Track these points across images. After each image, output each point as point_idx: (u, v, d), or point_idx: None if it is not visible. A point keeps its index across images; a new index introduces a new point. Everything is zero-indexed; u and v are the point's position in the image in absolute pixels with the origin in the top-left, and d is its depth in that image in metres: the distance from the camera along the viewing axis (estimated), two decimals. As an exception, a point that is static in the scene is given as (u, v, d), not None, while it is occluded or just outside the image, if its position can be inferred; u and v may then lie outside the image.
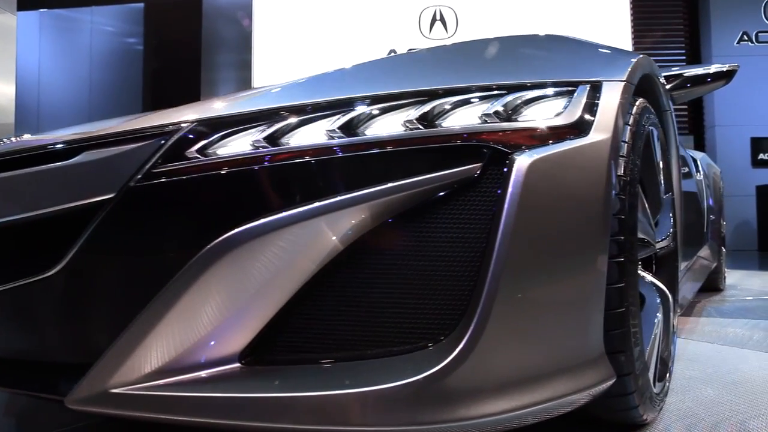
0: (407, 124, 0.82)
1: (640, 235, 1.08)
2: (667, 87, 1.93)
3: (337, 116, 0.84)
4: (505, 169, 0.80)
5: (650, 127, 1.20)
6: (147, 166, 0.83)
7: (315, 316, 0.81)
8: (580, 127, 0.88)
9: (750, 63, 8.24)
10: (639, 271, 1.31)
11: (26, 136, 1.10)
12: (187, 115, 0.88)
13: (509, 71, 0.97)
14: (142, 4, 9.46)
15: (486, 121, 0.84)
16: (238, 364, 0.82)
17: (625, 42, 8.12)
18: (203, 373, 0.82)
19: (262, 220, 0.78)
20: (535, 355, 0.82)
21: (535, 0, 8.11)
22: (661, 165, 1.32)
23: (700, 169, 2.89)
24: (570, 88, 0.92)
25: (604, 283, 0.88)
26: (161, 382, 0.81)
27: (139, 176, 0.83)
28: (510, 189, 0.78)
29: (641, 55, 1.15)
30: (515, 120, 0.86)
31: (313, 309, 0.81)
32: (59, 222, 0.87)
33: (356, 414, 0.74)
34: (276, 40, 8.35)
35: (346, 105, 0.86)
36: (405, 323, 0.79)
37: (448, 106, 0.85)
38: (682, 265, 1.86)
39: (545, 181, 0.81)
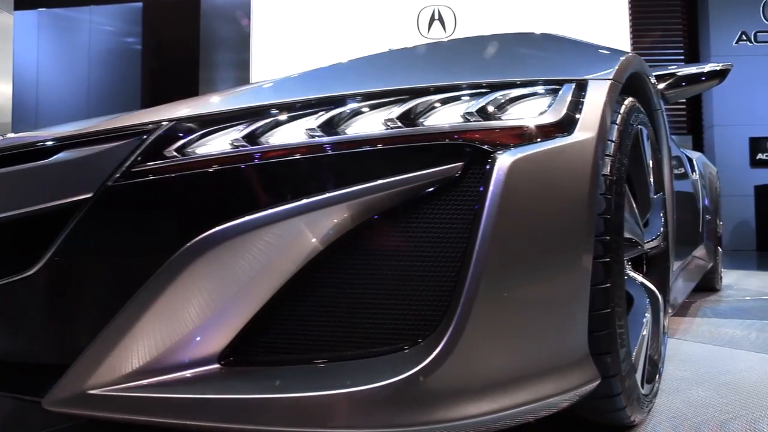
0: (388, 123, 0.81)
1: (627, 235, 1.07)
2: (661, 86, 1.92)
3: (317, 115, 0.83)
4: (487, 169, 0.79)
5: (639, 126, 1.19)
6: (125, 166, 0.82)
7: (294, 317, 0.80)
8: (564, 126, 0.87)
9: (749, 63, 8.25)
10: (629, 272, 1.30)
11: (9, 135, 1.10)
12: (167, 113, 0.87)
13: (494, 69, 0.97)
14: (140, 4, 9.45)
15: (468, 119, 0.83)
16: (217, 365, 0.81)
17: (624, 42, 8.12)
18: (182, 374, 0.81)
19: (240, 220, 0.77)
20: (517, 356, 0.81)
21: (534, -1, 8.10)
22: (651, 164, 1.31)
23: (696, 168, 2.88)
24: (555, 87, 0.91)
25: (588, 284, 0.87)
26: (139, 383, 0.80)
27: (117, 175, 0.82)
28: (491, 188, 0.77)
29: (630, 54, 1.14)
30: (498, 118, 0.85)
31: (293, 309, 0.80)
32: (37, 222, 0.86)
33: (334, 416, 0.73)
34: (274, 39, 8.34)
35: (326, 103, 0.85)
36: (385, 324, 0.78)
37: (430, 105, 0.84)
38: (676, 265, 1.85)
39: (527, 180, 0.80)
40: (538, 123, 0.85)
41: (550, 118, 0.86)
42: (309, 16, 8.29)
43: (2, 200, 0.88)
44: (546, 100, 0.89)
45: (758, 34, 8.36)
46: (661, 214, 1.40)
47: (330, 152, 0.80)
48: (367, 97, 0.85)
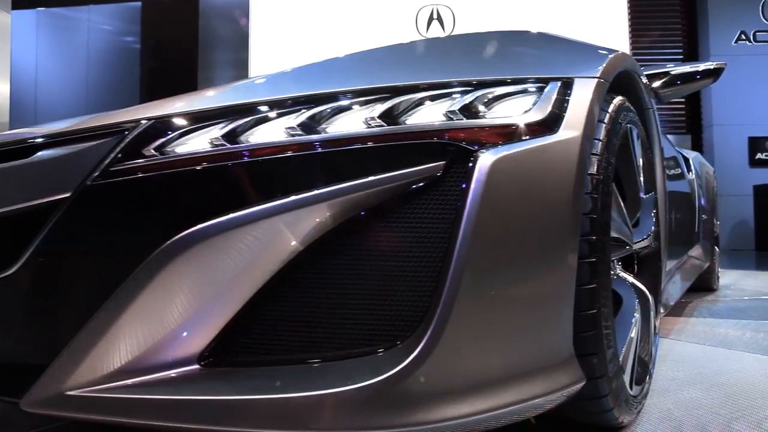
0: (369, 122, 0.80)
1: (615, 235, 1.06)
2: (655, 85, 1.91)
3: (298, 113, 0.82)
4: (469, 167, 0.78)
5: (629, 125, 1.18)
6: (103, 165, 0.81)
7: (274, 317, 0.79)
8: (548, 125, 0.86)
9: (748, 62, 8.23)
10: (619, 272, 1.29)
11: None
12: (147, 112, 0.86)
13: (479, 67, 0.96)
14: (139, 3, 9.44)
15: (451, 118, 0.82)
16: (197, 366, 0.80)
17: (623, 41, 8.11)
18: (161, 375, 0.80)
19: (217, 220, 0.76)
20: (499, 357, 0.80)
21: (533, -1, 8.09)
22: (641, 163, 1.30)
23: (692, 168, 2.87)
24: (540, 85, 0.90)
25: (573, 284, 0.86)
26: (118, 383, 0.80)
27: (96, 174, 0.81)
28: (472, 187, 0.76)
29: (619, 52, 1.13)
30: (481, 117, 0.84)
31: (272, 310, 0.79)
32: (16, 221, 0.85)
33: (312, 417, 0.72)
34: (273, 38, 8.33)
35: (307, 101, 0.84)
36: (364, 324, 0.77)
37: (412, 103, 0.83)
38: (670, 265, 1.84)
39: (510, 179, 0.80)
40: (521, 121, 0.84)
41: (534, 116, 0.86)
42: (307, 16, 8.28)
43: (-20, 200, 0.87)
44: (531, 99, 0.88)
45: (757, 33, 8.34)
46: (653, 214, 1.39)
47: (310, 151, 0.79)
48: (348, 95, 0.84)
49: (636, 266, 1.42)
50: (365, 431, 0.72)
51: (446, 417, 0.75)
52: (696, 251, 2.74)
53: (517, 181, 0.80)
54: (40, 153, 0.86)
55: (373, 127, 0.80)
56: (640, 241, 1.31)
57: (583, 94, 0.92)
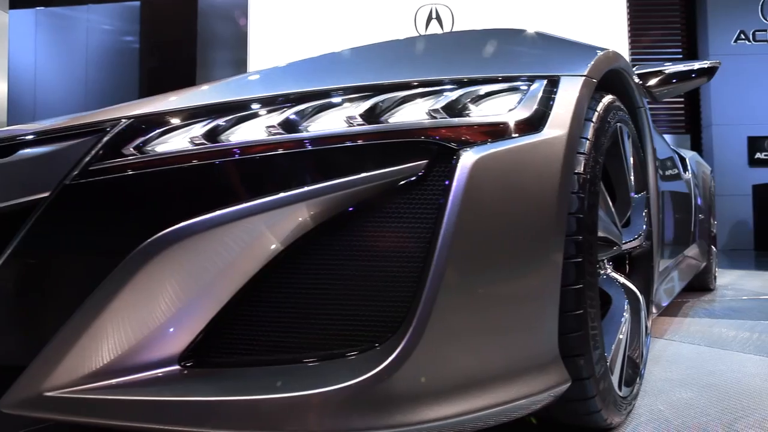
0: (351, 120, 0.79)
1: (603, 235, 1.05)
2: (649, 84, 1.90)
3: (279, 112, 0.81)
4: (451, 166, 0.77)
5: (619, 124, 1.17)
6: (83, 164, 0.80)
7: (254, 318, 0.78)
8: (533, 123, 0.85)
9: (747, 62, 8.23)
10: (609, 272, 1.29)
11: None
12: (128, 111, 0.85)
13: (464, 65, 0.95)
14: (138, 3, 9.44)
15: (434, 116, 0.81)
16: (177, 366, 0.80)
17: (622, 41, 8.10)
18: (141, 376, 0.79)
19: (195, 219, 0.76)
20: (481, 358, 0.79)
21: (532, -2, 8.09)
22: (631, 162, 1.29)
23: (689, 168, 2.86)
24: (525, 83, 0.89)
25: (558, 284, 0.85)
26: (97, 384, 0.79)
27: (75, 173, 0.80)
28: (454, 186, 0.75)
29: (607, 50, 1.12)
30: (465, 115, 0.83)
31: (252, 311, 0.78)
32: (-5, 221, 0.84)
33: (290, 419, 0.71)
34: (272, 38, 8.33)
35: (289, 100, 0.83)
36: (344, 325, 0.76)
37: (395, 101, 0.83)
38: (664, 265, 1.83)
39: (493, 178, 0.79)
40: (505, 120, 0.83)
41: (518, 115, 0.85)
42: (306, 15, 8.28)
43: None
44: (516, 97, 0.88)
45: (757, 33, 8.33)
46: (644, 214, 1.38)
47: (290, 150, 0.78)
48: (330, 93, 0.83)
49: (628, 266, 1.42)
50: (344, 433, 0.71)
51: (428, 419, 0.74)
52: (692, 251, 2.73)
53: (500, 180, 0.79)
54: (20, 152, 0.85)
55: (354, 125, 0.79)
56: (630, 240, 1.30)
57: (569, 92, 0.92)
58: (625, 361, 1.14)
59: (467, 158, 0.77)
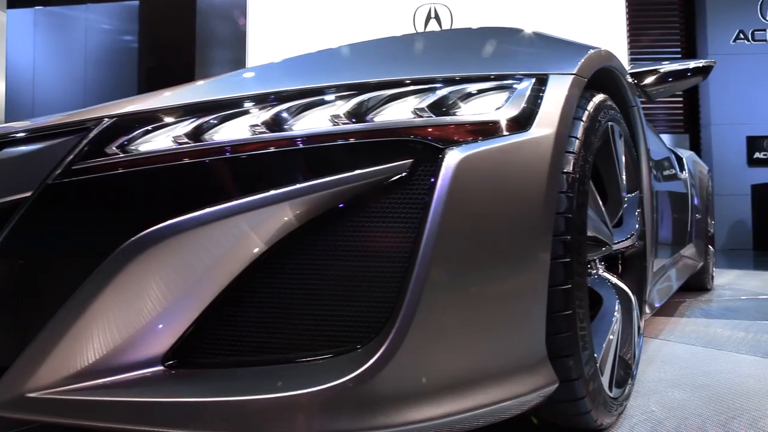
0: (335, 119, 0.79)
1: (592, 234, 1.04)
2: (644, 83, 1.90)
3: (264, 110, 0.80)
4: (435, 166, 0.76)
5: (610, 123, 1.16)
6: (65, 163, 0.80)
7: (237, 318, 0.78)
8: (520, 122, 0.84)
9: (746, 61, 8.22)
10: (602, 272, 1.28)
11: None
12: (113, 110, 0.85)
13: (452, 64, 0.94)
14: (136, 2, 9.43)
15: (419, 115, 0.80)
16: (161, 367, 0.79)
17: (621, 41, 8.09)
18: (124, 376, 0.79)
19: (179, 218, 0.75)
20: (466, 359, 0.78)
21: (531, -2, 8.08)
22: (623, 162, 1.28)
23: (686, 167, 2.85)
24: (513, 82, 0.89)
25: (545, 285, 0.85)
26: (80, 385, 0.78)
27: (58, 172, 0.80)
28: (438, 185, 0.75)
29: (598, 49, 1.11)
30: (452, 114, 0.82)
31: (237, 310, 0.78)
32: (-22, 221, 0.83)
33: (272, 420, 0.71)
34: (270, 37, 8.32)
35: (273, 99, 0.82)
36: (329, 326, 0.75)
37: (381, 100, 0.82)
38: (659, 265, 1.82)
39: (478, 177, 0.78)
40: (492, 119, 0.83)
41: (505, 113, 0.84)
42: (305, 15, 8.27)
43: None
44: (503, 96, 0.87)
45: (756, 32, 8.32)
46: (637, 213, 1.37)
47: (274, 149, 0.77)
48: (315, 92, 0.83)
49: (620, 266, 1.41)
50: (326, 435, 0.70)
51: (413, 420, 0.74)
52: (689, 251, 2.72)
53: (485, 179, 0.79)
54: (2, 151, 0.84)
55: (340, 124, 0.79)
56: (622, 240, 1.29)
57: (558, 90, 0.91)
58: (616, 362, 1.14)
59: (452, 157, 0.76)
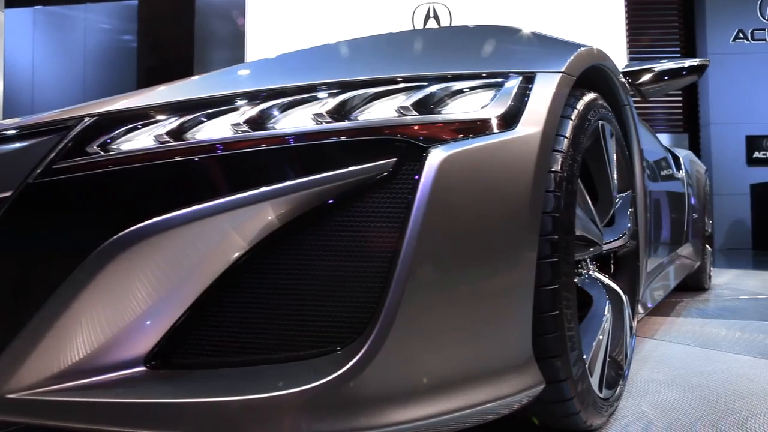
0: (318, 118, 0.78)
1: (581, 234, 1.03)
2: (639, 82, 1.89)
3: (245, 109, 0.80)
4: (418, 165, 0.75)
5: (600, 122, 1.16)
6: (45, 163, 0.79)
7: (220, 318, 0.77)
8: (506, 120, 0.84)
9: (745, 61, 8.21)
10: (593, 272, 1.27)
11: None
12: (94, 109, 0.84)
13: (439, 62, 0.93)
14: (135, 1, 9.42)
15: (403, 114, 0.79)
16: (143, 368, 0.78)
17: (620, 40, 8.08)
18: (105, 377, 0.78)
19: (160, 217, 0.74)
20: (450, 360, 0.77)
21: (530, -3, 8.07)
22: (615, 161, 1.27)
23: (683, 167, 2.85)
24: (499, 80, 0.88)
25: (531, 285, 0.84)
26: (61, 386, 0.77)
27: (39, 171, 0.79)
28: (421, 184, 0.74)
29: (588, 47, 1.10)
30: (437, 112, 0.81)
31: (219, 310, 0.77)
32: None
33: (252, 421, 0.70)
34: (269, 36, 8.31)
35: (256, 97, 0.81)
36: (310, 327, 0.75)
37: (365, 99, 0.81)
38: (653, 264, 1.81)
39: (462, 176, 0.77)
40: (477, 117, 0.82)
41: (491, 112, 0.83)
42: (304, 15, 8.26)
43: None
44: (490, 94, 0.86)
45: (755, 32, 8.31)
46: (629, 213, 1.36)
47: (256, 148, 0.76)
48: (299, 90, 0.82)
49: (613, 266, 1.40)
50: (306, 436, 0.69)
51: (395, 421, 0.73)
52: (685, 250, 2.71)
53: (469, 178, 0.78)
54: (-17, 150, 0.84)
55: (323, 123, 0.78)
56: (614, 240, 1.28)
57: (545, 89, 0.90)
58: (607, 363, 1.13)
59: (435, 156, 0.75)
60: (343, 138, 0.76)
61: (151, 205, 0.76)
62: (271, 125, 0.78)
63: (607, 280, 1.26)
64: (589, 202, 1.09)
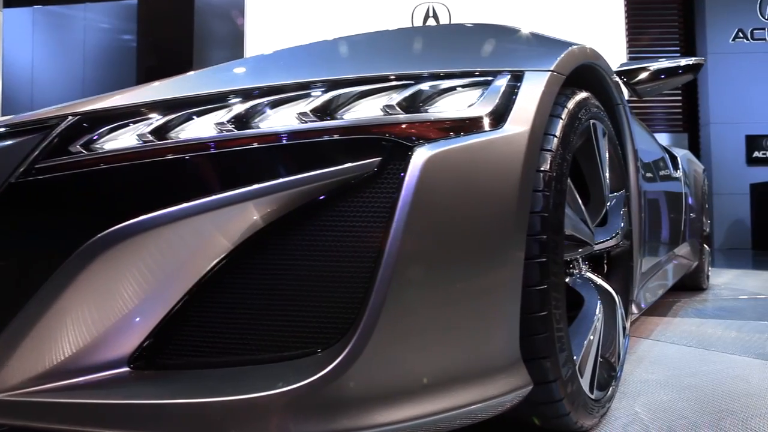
0: (302, 117, 0.77)
1: (571, 234, 1.02)
2: (634, 81, 1.88)
3: (230, 108, 0.79)
4: (403, 164, 0.75)
5: (592, 121, 1.15)
6: (28, 162, 0.78)
7: (204, 319, 0.76)
8: (494, 119, 0.83)
9: (745, 60, 8.19)
10: (584, 272, 1.26)
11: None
12: (77, 108, 0.83)
13: (428, 60, 0.92)
14: (135, 1, 9.42)
15: (389, 112, 0.79)
16: (126, 369, 0.78)
17: (620, 40, 8.06)
18: (89, 378, 0.77)
19: (141, 218, 0.73)
20: (436, 361, 0.76)
21: (529, -4, 8.06)
22: (607, 160, 1.26)
23: (680, 166, 2.84)
24: (488, 78, 0.87)
25: (519, 285, 0.83)
26: (43, 387, 0.77)
27: (21, 170, 0.78)
28: (405, 185, 0.73)
29: (579, 45, 1.10)
30: (423, 111, 0.81)
31: (202, 311, 0.76)
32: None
33: (233, 422, 0.69)
34: (268, 37, 8.31)
35: (241, 96, 0.81)
36: (294, 327, 0.74)
37: (350, 97, 0.80)
38: (648, 264, 1.80)
39: (448, 175, 0.76)
40: (464, 116, 0.81)
41: (478, 111, 0.82)
42: (303, 14, 8.25)
43: None
44: (477, 92, 0.85)
45: (755, 31, 8.29)
46: (622, 213, 1.36)
47: (240, 147, 0.76)
48: (283, 89, 0.81)
49: (606, 266, 1.39)
50: (288, 438, 0.69)
51: (379, 422, 0.72)
52: (683, 250, 2.70)
53: (455, 177, 0.77)
54: (-34, 150, 0.83)
55: (307, 122, 0.77)
56: (606, 240, 1.27)
57: (533, 87, 0.89)
58: (598, 364, 1.12)
59: (420, 155, 0.75)
60: (327, 137, 0.76)
61: (134, 205, 0.76)
62: (255, 124, 0.78)
63: (599, 281, 1.25)
64: (580, 201, 1.08)
